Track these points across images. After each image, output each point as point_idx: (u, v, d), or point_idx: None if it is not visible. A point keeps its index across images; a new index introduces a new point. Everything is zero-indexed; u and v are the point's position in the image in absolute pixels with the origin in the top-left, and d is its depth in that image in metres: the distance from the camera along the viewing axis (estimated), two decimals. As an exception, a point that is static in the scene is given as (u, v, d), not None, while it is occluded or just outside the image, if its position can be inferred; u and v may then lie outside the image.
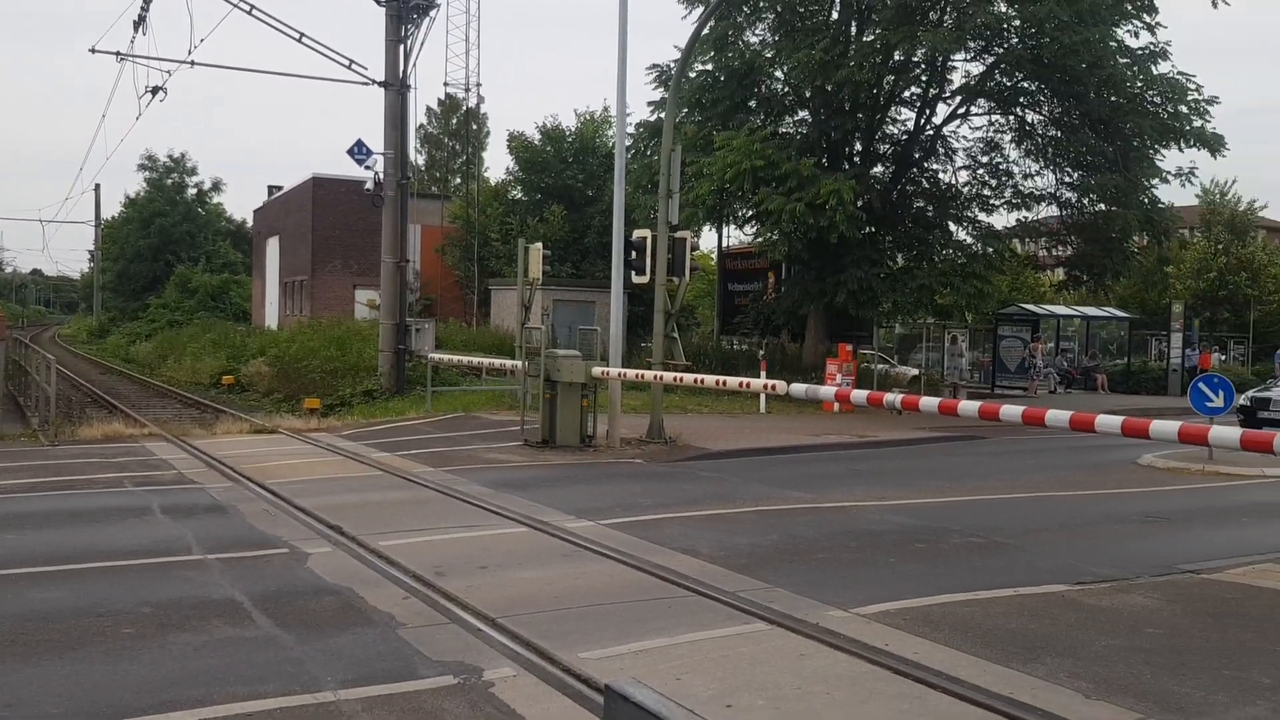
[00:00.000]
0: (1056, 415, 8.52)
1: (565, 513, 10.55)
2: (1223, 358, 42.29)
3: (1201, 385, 16.44)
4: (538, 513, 10.51)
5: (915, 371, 32.67)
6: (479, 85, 42.48)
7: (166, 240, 64.72)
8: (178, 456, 15.10)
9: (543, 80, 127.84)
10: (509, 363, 19.53)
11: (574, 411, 15.89)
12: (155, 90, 24.62)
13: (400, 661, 5.98)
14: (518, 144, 37.79)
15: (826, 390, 11.47)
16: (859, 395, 10.54)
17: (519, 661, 5.96)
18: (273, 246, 48.68)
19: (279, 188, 50.21)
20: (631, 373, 16.56)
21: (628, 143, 30.15)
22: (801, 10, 27.13)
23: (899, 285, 26.58)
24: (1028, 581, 8.04)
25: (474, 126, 53.39)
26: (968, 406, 9.36)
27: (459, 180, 50.41)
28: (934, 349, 38.03)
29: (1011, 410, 9.05)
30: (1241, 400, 23.01)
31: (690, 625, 6.64)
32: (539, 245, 18.74)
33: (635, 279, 17.23)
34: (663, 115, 21.65)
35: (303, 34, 22.99)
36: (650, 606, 7.13)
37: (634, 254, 16.89)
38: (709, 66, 27.96)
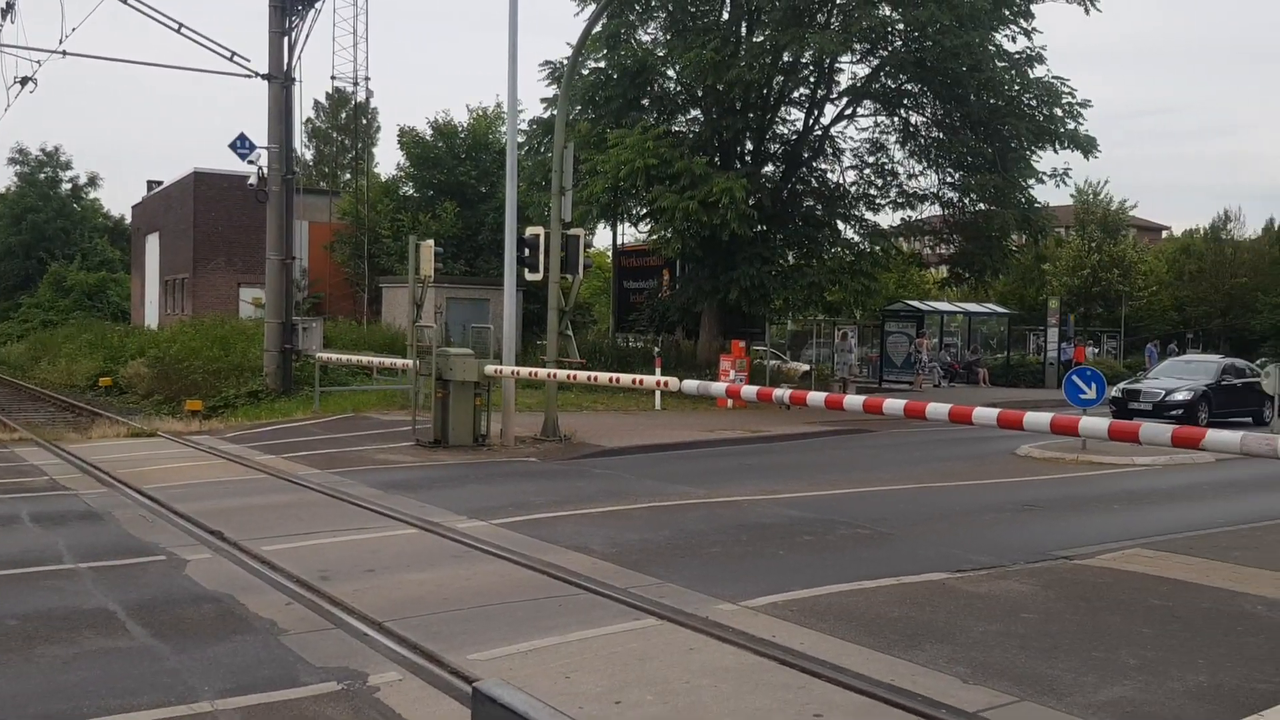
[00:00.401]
0: (937, 408, 8.76)
1: (457, 513, 10.44)
2: (1096, 351, 44.10)
3: (1075, 378, 17.13)
4: (428, 514, 10.37)
5: (806, 367, 33.30)
6: (368, 79, 41.95)
7: (39, 237, 61.90)
8: (50, 462, 14.47)
9: (434, 75, 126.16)
10: (400, 361, 19.24)
11: (467, 410, 15.73)
12: (25, 81, 23.56)
13: (282, 669, 5.83)
14: (409, 139, 37.22)
15: (718, 387, 11.59)
16: (749, 391, 10.68)
17: (405, 665, 5.87)
18: (153, 243, 47.02)
19: (159, 183, 48.49)
20: (525, 370, 16.47)
21: (521, 139, 30.03)
22: (692, 10, 27.36)
23: (790, 283, 27.03)
24: (910, 570, 8.25)
25: (364, 121, 52.41)
26: (853, 401, 9.56)
27: (349, 176, 49.43)
28: (825, 345, 38.73)
29: (894, 404, 9.26)
30: (1114, 392, 24.05)
31: (581, 623, 6.63)
32: (430, 242, 18.50)
33: (528, 276, 17.14)
34: (556, 112, 21.57)
35: (182, 24, 22.23)
36: (541, 605, 7.10)
37: (527, 251, 16.79)
38: (602, 64, 27.99)
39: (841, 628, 6.59)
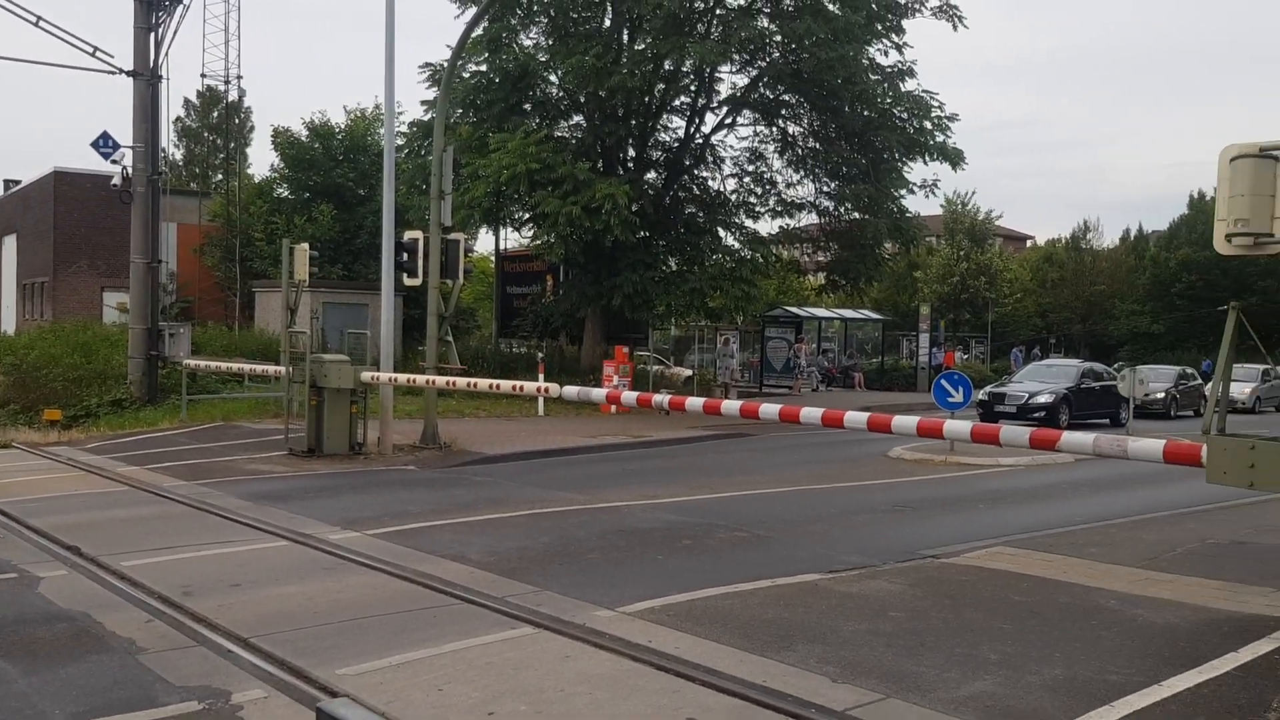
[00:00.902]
0: (810, 413, 8.96)
1: (330, 524, 10.19)
2: (965, 356, 45.71)
3: (943, 382, 17.70)
4: (300, 525, 10.10)
5: (689, 372, 33.64)
6: (240, 78, 40.71)
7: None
8: (-112, 477, 13.61)
9: (311, 76, 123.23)
10: (273, 368, 18.70)
11: (342, 418, 15.39)
12: None
13: (139, 689, 5.59)
14: (283, 140, 36.24)
15: (598, 393, 11.60)
16: (629, 397, 10.73)
17: (271, 682, 5.70)
18: (10, 245, 44.68)
19: (17, 182, 46.12)
20: (403, 377, 16.20)
21: (401, 142, 29.62)
22: (574, 16, 27.37)
23: (672, 288, 27.25)
24: (785, 572, 8.39)
25: (236, 120, 50.83)
26: (730, 406, 9.70)
27: (221, 176, 47.88)
28: (707, 350, 39.25)
29: (770, 409, 9.43)
30: (980, 395, 24.93)
31: (456, 634, 6.54)
32: (305, 246, 18.06)
33: (407, 281, 16.89)
34: (436, 115, 21.25)
35: (40, 18, 21.15)
36: (415, 617, 6.98)
37: (405, 255, 16.54)
38: (484, 68, 27.77)
39: (717, 631, 6.65)
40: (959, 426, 8.34)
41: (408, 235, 16.71)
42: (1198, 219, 50.96)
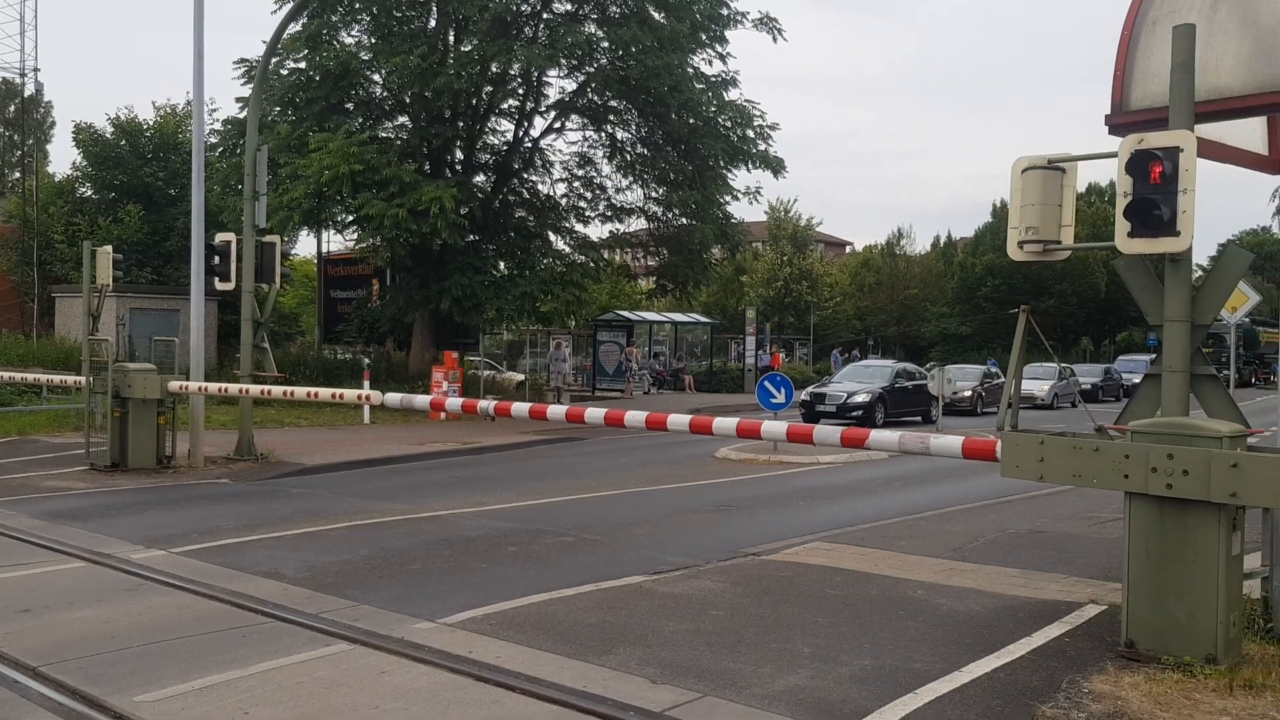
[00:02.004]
0: (634, 416, 9.02)
1: (133, 543, 9.63)
2: (788, 358, 47.14)
3: (766, 383, 18.18)
4: (100, 544, 9.51)
5: (522, 377, 33.44)
6: (37, 70, 37.86)
7: None
8: None
9: (118, 70, 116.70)
10: (73, 378, 17.56)
11: (149, 430, 14.58)
12: None
13: (-94, 732, 5.14)
14: (86, 136, 34.11)
15: (422, 399, 11.36)
16: (454, 403, 10.58)
17: (62, 713, 5.33)
18: None
19: None
20: (213, 386, 15.49)
21: (215, 140, 28.38)
22: (399, 15, 26.83)
23: (502, 292, 27.02)
24: (610, 575, 8.42)
25: (35, 115, 47.60)
26: (556, 411, 9.68)
27: (18, 175, 44.71)
28: (540, 354, 39.14)
29: (596, 413, 9.46)
30: (803, 396, 25.74)
31: (265, 654, 6.28)
32: (108, 249, 17.10)
33: (220, 285, 16.15)
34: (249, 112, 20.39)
35: None
36: (222, 638, 6.66)
37: (217, 259, 15.82)
38: (303, 65, 26.87)
39: (539, 638, 6.61)
40: (776, 427, 8.56)
41: (220, 237, 15.99)
42: (1000, 226, 54.16)
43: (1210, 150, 8.24)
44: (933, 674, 5.97)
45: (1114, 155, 6.83)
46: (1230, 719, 5.17)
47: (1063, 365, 38.74)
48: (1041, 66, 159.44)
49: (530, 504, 12.56)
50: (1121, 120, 7.86)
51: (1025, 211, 7.32)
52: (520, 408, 10.01)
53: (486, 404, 10.17)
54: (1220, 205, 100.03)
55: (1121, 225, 6.74)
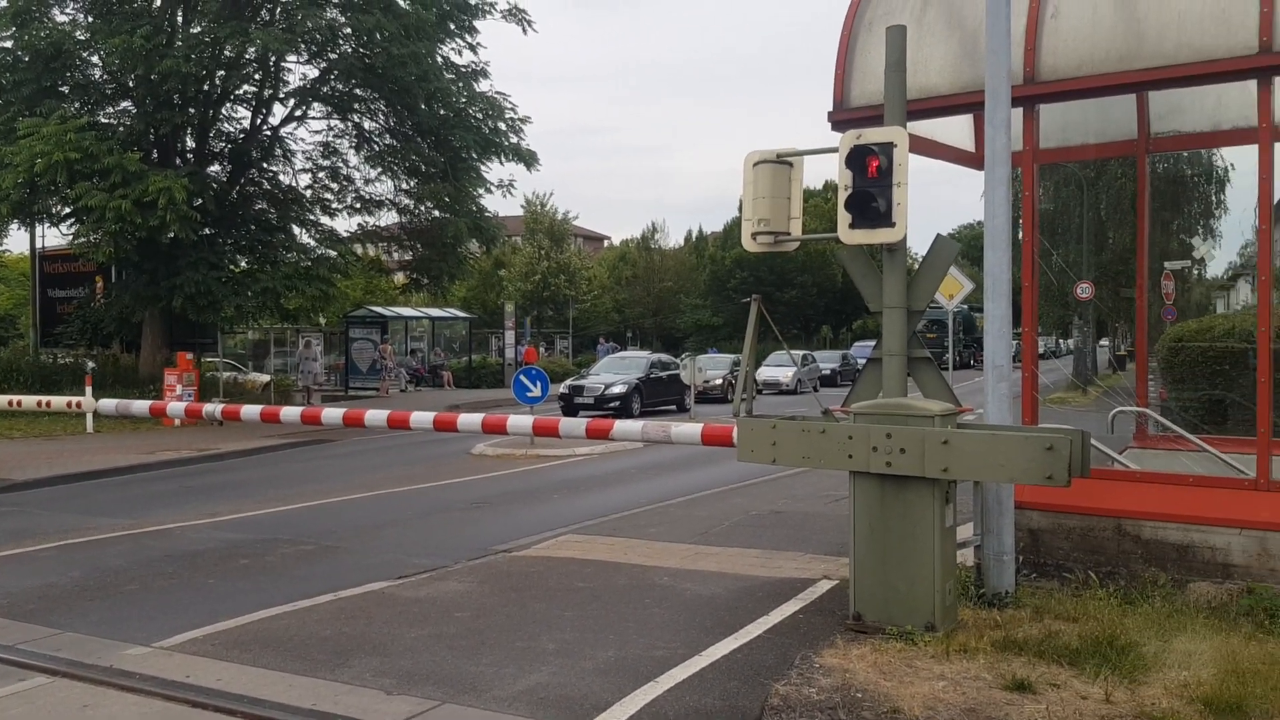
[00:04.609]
0: (375, 416, 8.68)
1: None
2: (548, 351, 47.27)
3: (522, 377, 18.06)
4: None
5: (268, 378, 31.78)
6: None
7: None
8: None
9: None
10: None
11: None
12: None
13: None
14: None
15: (140, 405, 10.48)
16: (175, 408, 9.86)
17: None
18: None
19: None
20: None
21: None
22: (120, -7, 24.90)
23: (242, 289, 25.57)
24: (351, 583, 8.05)
25: None
26: (290, 413, 9.17)
27: None
28: (290, 354, 37.38)
29: (333, 413, 9.03)
30: (561, 388, 25.85)
31: (-56, 697, 5.56)
32: None
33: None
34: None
35: None
36: (-109, 683, 5.86)
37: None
38: (9, 44, 24.43)
39: (268, 656, 6.19)
40: (522, 422, 8.45)
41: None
42: (747, 221, 56.56)
43: (924, 147, 8.78)
44: (674, 660, 6.02)
45: (836, 150, 7.12)
46: (947, 682, 5.47)
47: (804, 353, 40.77)
48: (791, 64, 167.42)
49: (269, 512, 11.88)
50: (842, 117, 8.23)
51: (757, 204, 7.52)
52: (251, 411, 9.42)
53: (212, 408, 9.51)
54: (942, 200, 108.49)
55: (843, 217, 7.03)
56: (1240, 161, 26.67)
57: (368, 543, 9.97)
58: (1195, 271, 34.80)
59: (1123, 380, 24.99)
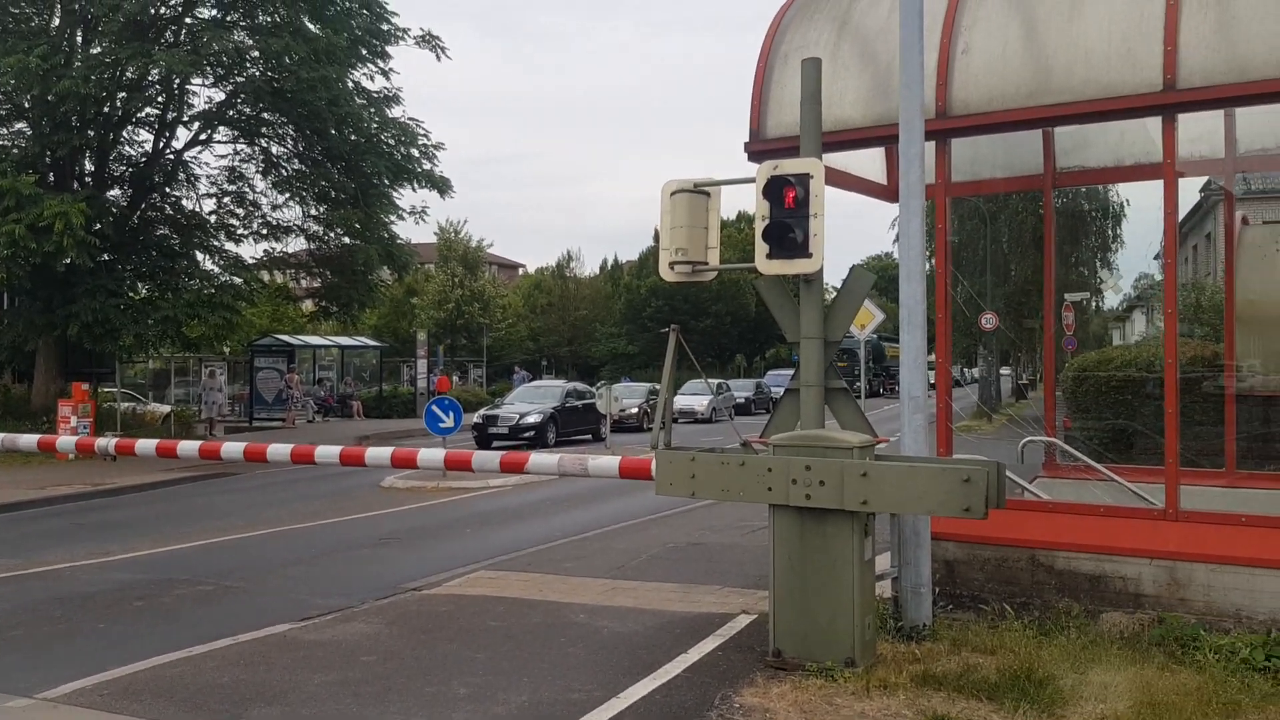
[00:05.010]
0: (277, 450, 8.34)
1: None
2: (462, 381, 46.66)
3: (434, 408, 17.70)
4: None
5: (169, 409, 30.72)
6: None
7: None
8: None
9: None
10: None
11: None
12: None
13: None
14: None
15: (27, 439, 9.89)
16: (65, 442, 9.34)
17: None
18: None
19: None
20: None
21: None
22: (15, 12, 24.00)
23: (141, 317, 24.70)
24: (251, 626, 7.68)
25: None
26: (187, 447, 8.77)
27: None
28: (192, 384, 36.23)
29: (234, 447, 8.67)
30: (475, 418, 25.46)
31: None
32: None
33: None
34: None
35: None
36: None
37: None
38: (-108, 62, 23.32)
39: (159, 706, 5.83)
40: (433, 455, 8.20)
41: None
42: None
43: (839, 179, 8.82)
44: (591, 703, 5.82)
45: (753, 180, 7.08)
46: None
47: (719, 381, 40.96)
48: (705, 97, 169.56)
49: (166, 550, 11.37)
50: (759, 147, 8.23)
51: (675, 233, 7.42)
52: (146, 445, 8.99)
53: (105, 442, 9.05)
54: (854, 231, 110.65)
55: (761, 247, 6.98)
56: (1136, 197, 27.71)
57: (270, 582, 9.57)
58: (1093, 303, 35.97)
59: (1027, 408, 25.59)
